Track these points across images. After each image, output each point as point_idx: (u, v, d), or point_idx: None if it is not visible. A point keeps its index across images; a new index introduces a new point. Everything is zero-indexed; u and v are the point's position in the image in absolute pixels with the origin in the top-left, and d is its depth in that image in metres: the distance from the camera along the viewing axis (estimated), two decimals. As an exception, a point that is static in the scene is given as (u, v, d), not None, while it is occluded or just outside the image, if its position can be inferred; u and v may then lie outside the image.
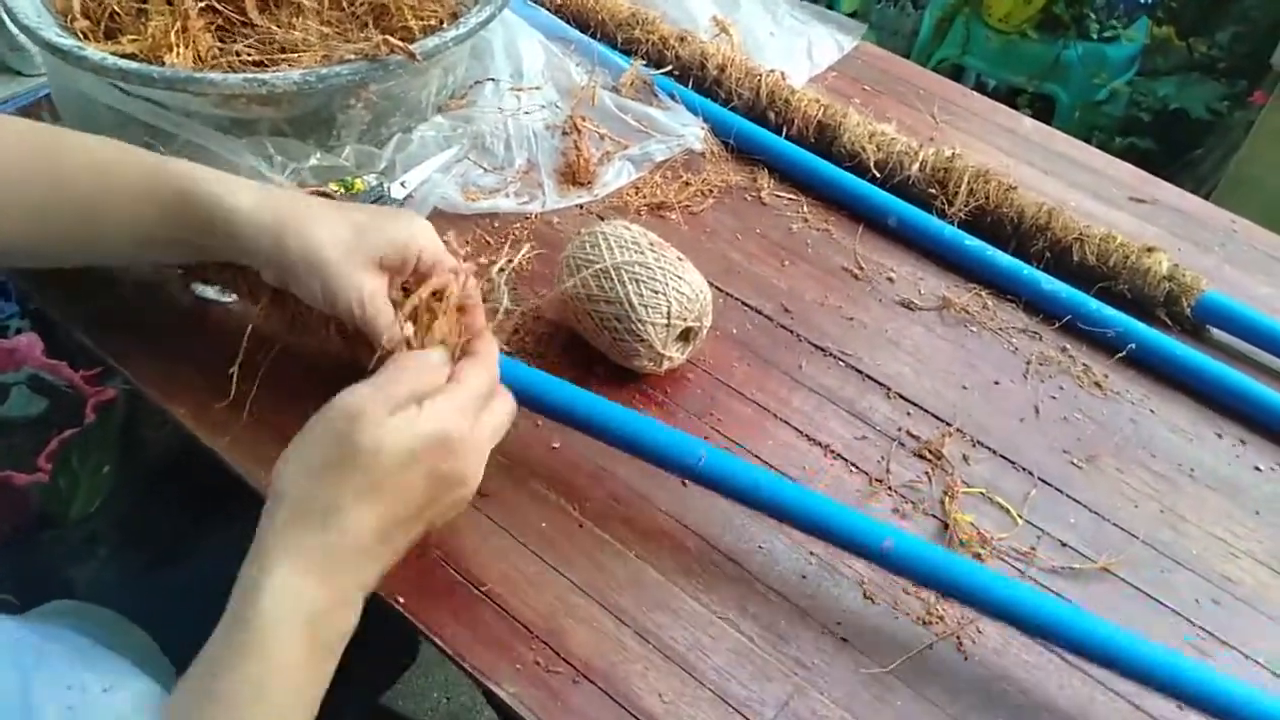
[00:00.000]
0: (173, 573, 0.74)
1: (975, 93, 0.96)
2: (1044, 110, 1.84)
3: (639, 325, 0.60)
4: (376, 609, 0.51)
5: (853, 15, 2.16)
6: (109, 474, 1.02)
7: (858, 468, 0.62)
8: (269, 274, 0.53)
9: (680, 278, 0.61)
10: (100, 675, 0.47)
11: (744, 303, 0.71)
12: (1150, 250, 0.73)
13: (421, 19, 0.71)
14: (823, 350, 0.69)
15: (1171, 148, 1.85)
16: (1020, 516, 0.60)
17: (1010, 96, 1.85)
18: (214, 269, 0.58)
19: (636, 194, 0.78)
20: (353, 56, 0.67)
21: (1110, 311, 0.71)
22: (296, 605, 0.39)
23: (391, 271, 0.52)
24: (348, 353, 0.56)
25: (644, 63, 0.87)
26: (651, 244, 0.63)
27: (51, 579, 0.98)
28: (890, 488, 0.61)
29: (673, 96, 0.84)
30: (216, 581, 0.71)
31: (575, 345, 0.65)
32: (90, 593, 0.75)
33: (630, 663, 0.51)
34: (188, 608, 0.65)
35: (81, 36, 0.69)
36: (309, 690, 0.40)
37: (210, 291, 0.65)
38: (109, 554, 1.02)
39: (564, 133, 0.79)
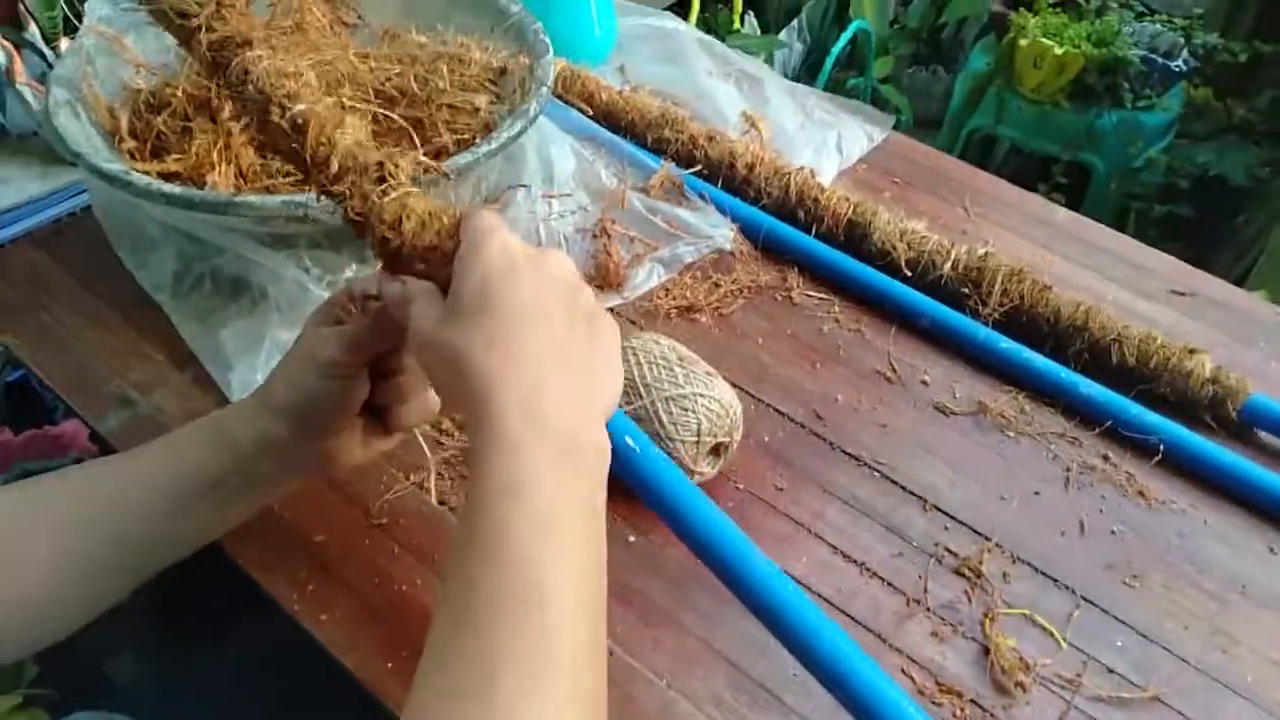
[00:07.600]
0: (204, 665, 0.74)
1: (1005, 181, 0.96)
2: (1080, 179, 1.82)
3: (669, 443, 0.60)
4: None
5: (885, 80, 2.17)
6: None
7: (894, 587, 0.60)
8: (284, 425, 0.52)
9: (710, 395, 0.61)
10: None
11: (775, 409, 0.71)
12: (1192, 352, 0.71)
13: (456, 132, 0.73)
14: (856, 459, 0.68)
15: (1212, 215, 1.82)
16: (1064, 639, 0.58)
17: (1045, 165, 1.83)
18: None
19: (666, 295, 0.78)
20: (388, 174, 0.68)
21: (1152, 416, 0.69)
22: (544, 433, 0.39)
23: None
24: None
25: (673, 163, 0.87)
26: (681, 359, 0.63)
27: (88, 673, 0.98)
28: (928, 609, 0.59)
29: (702, 196, 0.85)
30: (248, 672, 0.71)
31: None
32: (126, 686, 0.75)
33: (662, 802, 0.50)
34: (220, 702, 0.65)
35: (129, 156, 0.71)
36: (582, 513, 0.40)
37: None
38: (144, 645, 1.02)
39: (594, 236, 0.80)
